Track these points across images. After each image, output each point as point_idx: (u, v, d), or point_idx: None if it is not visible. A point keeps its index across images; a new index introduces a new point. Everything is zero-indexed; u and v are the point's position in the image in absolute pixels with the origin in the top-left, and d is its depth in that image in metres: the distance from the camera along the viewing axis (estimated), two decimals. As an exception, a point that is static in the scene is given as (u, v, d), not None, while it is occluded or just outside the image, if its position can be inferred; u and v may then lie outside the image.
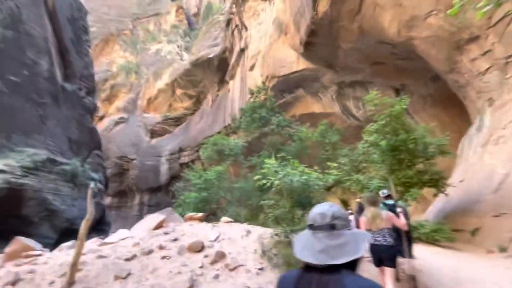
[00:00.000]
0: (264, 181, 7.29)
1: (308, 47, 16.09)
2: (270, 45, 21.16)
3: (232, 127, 23.50)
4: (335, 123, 18.69)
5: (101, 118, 44.32)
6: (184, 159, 34.53)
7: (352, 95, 18.36)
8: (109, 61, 51.37)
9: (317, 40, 15.35)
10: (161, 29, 55.96)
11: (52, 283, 3.72)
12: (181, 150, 36.09)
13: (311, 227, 1.03)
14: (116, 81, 48.24)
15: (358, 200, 8.29)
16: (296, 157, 15.57)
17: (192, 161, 30.79)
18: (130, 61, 50.68)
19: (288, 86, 20.03)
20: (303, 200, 7.91)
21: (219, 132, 25.22)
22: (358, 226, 5.54)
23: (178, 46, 49.89)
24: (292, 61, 18.80)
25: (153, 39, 53.26)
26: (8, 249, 4.47)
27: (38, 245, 5.05)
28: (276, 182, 7.19)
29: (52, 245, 12.30)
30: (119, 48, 54.06)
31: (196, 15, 60.04)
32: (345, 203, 13.95)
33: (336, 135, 16.70)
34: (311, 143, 17.45)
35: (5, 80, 17.79)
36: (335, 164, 10.01)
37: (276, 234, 6.30)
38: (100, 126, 39.75)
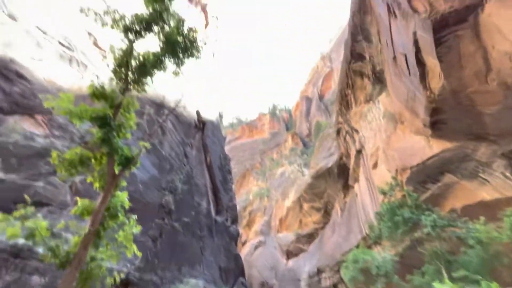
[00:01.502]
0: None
1: (437, 127, 13.90)
2: (388, 138, 19.82)
3: (371, 236, 19.85)
4: (532, 209, 12.52)
5: (244, 243, 48.80)
6: (325, 282, 30.11)
7: (541, 164, 12.73)
8: (246, 191, 61.61)
9: (446, 116, 13.22)
10: (282, 155, 65.52)
11: None
12: (319, 271, 32.32)
13: None
14: (253, 207, 55.34)
15: None
16: (484, 271, 10.47)
17: (335, 284, 26.27)
18: (262, 187, 58.90)
19: (428, 175, 16.49)
20: None
21: (357, 246, 21.68)
22: None
23: (298, 165, 55.16)
24: (421, 146, 16.27)
25: (277, 165, 62.11)
26: None
27: None
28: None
29: None
30: (253, 179, 65.21)
31: (308, 135, 68.18)
32: None
33: (547, 229, 10.69)
34: (503, 246, 11.69)
35: (181, 221, 23.74)
36: None
37: None
38: (243, 252, 43.17)
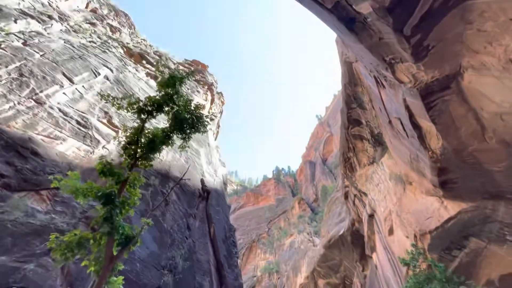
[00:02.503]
0: None
1: (448, 187, 13.49)
2: (399, 201, 19.03)
3: (403, 320, 16.85)
4: None
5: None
6: None
7: None
8: (253, 267, 55.88)
9: (454, 175, 12.97)
10: (290, 223, 62.06)
11: None
12: None
13: None
14: (261, 285, 49.23)
15: None
16: None
17: None
18: (271, 261, 53.70)
19: (451, 240, 15.11)
20: None
21: (388, 332, 18.25)
22: None
23: (308, 233, 51.60)
24: (436, 208, 15.45)
25: (286, 234, 58.12)
26: None
27: None
28: None
29: None
30: (260, 252, 60.07)
31: (315, 200, 66.05)
32: None
33: None
34: None
35: (180, 308, 20.72)
36: None
37: None
38: None
